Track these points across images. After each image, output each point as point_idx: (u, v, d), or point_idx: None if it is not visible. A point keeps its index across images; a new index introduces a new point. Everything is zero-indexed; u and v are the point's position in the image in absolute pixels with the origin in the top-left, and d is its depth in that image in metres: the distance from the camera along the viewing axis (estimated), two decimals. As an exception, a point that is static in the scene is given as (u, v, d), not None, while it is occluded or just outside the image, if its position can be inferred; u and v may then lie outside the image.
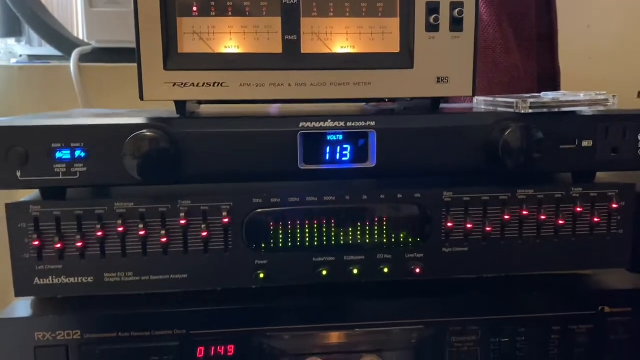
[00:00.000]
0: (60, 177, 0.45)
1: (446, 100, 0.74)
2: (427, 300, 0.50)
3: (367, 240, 0.49)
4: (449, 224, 0.49)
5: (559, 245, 0.51)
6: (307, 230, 0.49)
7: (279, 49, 0.47)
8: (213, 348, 0.48)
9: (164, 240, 0.47)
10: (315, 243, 0.49)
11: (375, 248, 0.49)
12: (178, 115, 0.49)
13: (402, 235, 0.50)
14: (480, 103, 0.55)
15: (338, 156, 0.48)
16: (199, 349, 0.48)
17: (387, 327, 0.49)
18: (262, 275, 0.48)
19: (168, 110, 0.54)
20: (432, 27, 0.48)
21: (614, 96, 0.48)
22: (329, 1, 0.47)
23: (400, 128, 0.48)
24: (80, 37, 0.89)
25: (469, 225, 0.49)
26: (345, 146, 0.48)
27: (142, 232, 0.47)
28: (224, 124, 0.47)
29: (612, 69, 0.98)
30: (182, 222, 0.47)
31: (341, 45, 0.48)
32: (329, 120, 0.47)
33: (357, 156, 0.48)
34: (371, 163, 0.48)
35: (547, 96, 0.50)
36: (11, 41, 0.93)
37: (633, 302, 0.51)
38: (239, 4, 0.46)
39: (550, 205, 0.50)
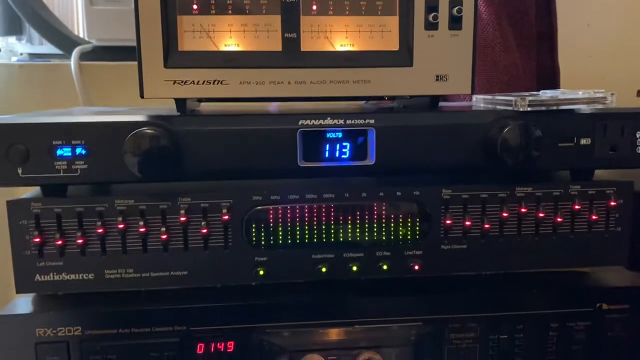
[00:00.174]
0: (61, 174, 0.46)
1: (445, 98, 0.74)
2: (426, 297, 0.50)
3: (366, 238, 0.50)
4: (448, 222, 0.50)
5: (557, 243, 0.51)
6: (306, 228, 0.49)
7: (278, 47, 0.47)
8: (213, 344, 0.48)
9: (164, 237, 0.47)
10: (315, 240, 0.49)
11: (374, 245, 0.50)
12: (178, 113, 0.49)
13: (401, 233, 0.50)
14: (479, 101, 0.55)
15: (337, 154, 0.48)
16: (199, 345, 0.48)
17: (386, 323, 0.50)
18: (261, 272, 0.49)
19: (168, 108, 0.54)
20: (431, 25, 0.48)
21: (612, 94, 0.48)
22: (328, -1, 0.47)
23: (399, 126, 0.48)
24: (81, 35, 0.90)
25: (467, 223, 0.50)
26: (344, 144, 0.48)
27: (142, 229, 0.47)
28: (224, 121, 0.47)
29: (611, 68, 0.98)
30: (182, 219, 0.47)
31: (341, 43, 0.48)
32: (329, 118, 0.48)
33: (357, 154, 0.48)
34: (370, 160, 0.48)
35: (546, 94, 0.50)
36: (12, 39, 0.93)
37: (631, 299, 0.51)
38: (239, 2, 0.47)
39: (549, 202, 0.50)
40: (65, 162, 0.46)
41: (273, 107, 0.60)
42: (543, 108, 0.49)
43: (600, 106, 0.49)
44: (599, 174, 0.53)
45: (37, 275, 0.47)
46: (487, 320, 0.50)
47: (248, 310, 0.48)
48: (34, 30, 0.88)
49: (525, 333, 0.50)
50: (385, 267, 0.50)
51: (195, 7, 0.46)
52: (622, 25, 1.02)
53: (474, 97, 0.56)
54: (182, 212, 0.47)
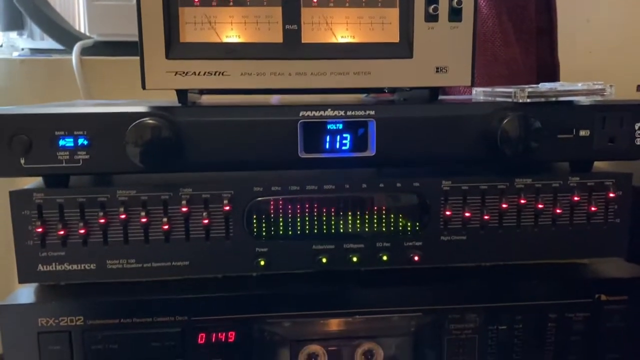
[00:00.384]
0: (64, 164, 0.46)
1: (445, 91, 0.75)
2: (426, 287, 0.50)
3: (367, 229, 0.50)
4: (448, 213, 0.50)
5: (557, 234, 0.51)
6: (307, 218, 0.49)
7: (279, 39, 0.47)
8: (214, 334, 0.48)
9: (165, 227, 0.48)
10: (315, 231, 0.49)
11: (374, 236, 0.50)
12: (180, 105, 0.49)
13: (401, 224, 0.50)
14: (479, 94, 0.55)
15: (338, 145, 0.48)
16: (200, 335, 0.48)
17: (386, 314, 0.50)
18: (262, 263, 0.49)
19: (170, 100, 0.54)
20: (431, 17, 0.48)
21: (611, 86, 0.49)
22: (329, -9, 0.48)
23: (399, 117, 0.49)
24: (82, 30, 0.90)
25: (467, 214, 0.50)
26: (345, 135, 0.48)
27: (144, 220, 0.47)
28: (225, 112, 0.47)
29: (612, 63, 0.98)
30: (184, 209, 0.48)
31: (341, 35, 0.48)
32: (329, 109, 0.48)
33: (357, 145, 0.49)
34: (371, 152, 0.49)
35: (545, 86, 0.50)
36: (13, 34, 0.93)
37: (629, 290, 0.51)
38: (240, -6, 0.47)
39: (548, 194, 0.51)
40: (67, 153, 0.46)
41: (274, 100, 0.60)
42: (542, 100, 0.49)
43: (599, 98, 0.50)
44: (598, 165, 0.53)
45: (40, 265, 0.47)
46: (486, 311, 0.50)
47: (249, 301, 0.49)
48: (35, 26, 0.88)
49: (524, 324, 0.51)
50: (385, 258, 0.50)
51: (196, -2, 0.47)
52: (622, 21, 1.02)
53: (474, 90, 0.56)
54: (184, 202, 0.48)
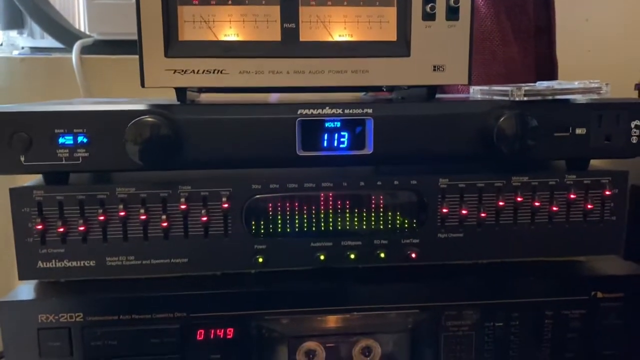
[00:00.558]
0: (63, 162, 0.46)
1: (443, 90, 0.75)
2: (423, 285, 0.51)
3: (364, 226, 0.50)
4: (445, 210, 0.50)
5: (553, 232, 0.52)
6: (305, 216, 0.50)
7: (277, 37, 0.48)
8: (213, 331, 0.49)
9: (164, 224, 0.48)
10: (313, 228, 0.50)
11: (372, 233, 0.50)
12: (179, 103, 0.50)
13: (398, 221, 0.50)
14: (477, 92, 0.56)
15: (336, 143, 0.49)
16: (198, 332, 0.49)
17: (383, 311, 0.50)
18: (261, 260, 0.49)
19: (169, 99, 0.54)
20: (429, 16, 0.48)
21: (606, 84, 0.49)
22: (327, -10, 0.48)
23: (396, 115, 0.49)
24: (82, 29, 0.90)
25: (464, 212, 0.50)
26: (342, 133, 0.49)
27: (143, 217, 0.48)
28: (224, 110, 0.48)
29: (610, 62, 0.99)
30: (183, 207, 0.48)
31: (339, 34, 0.49)
32: (327, 108, 0.48)
33: (355, 143, 0.49)
34: (368, 150, 0.49)
35: (542, 85, 0.50)
36: (13, 33, 0.93)
37: (625, 287, 0.52)
38: (239, -7, 0.47)
39: (545, 192, 0.51)
40: (67, 151, 0.46)
41: (272, 98, 0.60)
42: (539, 98, 0.49)
43: (595, 96, 0.50)
44: (595, 163, 0.53)
45: (40, 262, 0.48)
46: (483, 308, 0.51)
47: (247, 298, 0.49)
48: (35, 24, 0.88)
49: (521, 321, 0.51)
50: (382, 255, 0.50)
51: (195, -3, 0.47)
52: (620, 20, 1.02)
53: (471, 89, 0.57)
54: (183, 200, 0.48)
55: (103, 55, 0.83)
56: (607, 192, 0.51)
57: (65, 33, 0.86)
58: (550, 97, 0.49)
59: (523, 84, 0.51)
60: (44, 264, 0.48)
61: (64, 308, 0.47)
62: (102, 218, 0.47)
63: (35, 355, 0.47)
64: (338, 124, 0.49)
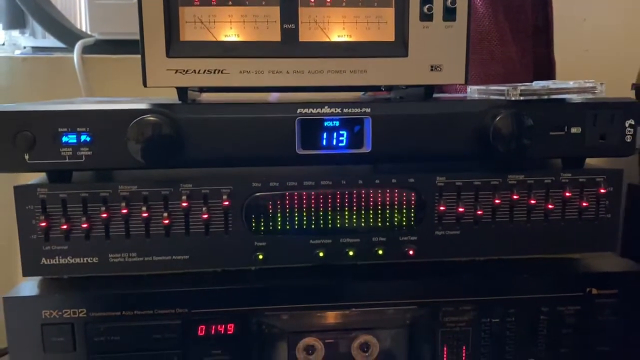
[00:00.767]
0: (67, 160, 0.47)
1: (441, 90, 0.76)
2: (421, 281, 0.51)
3: (363, 224, 0.51)
4: (442, 208, 0.51)
5: (549, 229, 0.52)
6: (304, 214, 0.50)
7: (277, 38, 0.48)
8: (213, 326, 0.49)
9: (166, 222, 0.49)
10: (313, 226, 0.51)
11: (370, 231, 0.51)
12: (180, 102, 0.50)
13: (396, 219, 0.51)
14: (474, 92, 0.56)
15: (334, 142, 0.50)
16: (200, 328, 0.49)
17: (381, 307, 0.51)
18: (261, 257, 0.50)
19: (170, 98, 0.55)
20: (426, 17, 0.49)
21: (601, 84, 0.50)
22: (326, -9, 0.49)
23: (394, 114, 0.50)
24: (84, 29, 0.91)
25: (461, 209, 0.51)
26: (341, 132, 0.50)
27: (145, 214, 0.48)
28: (225, 109, 0.48)
29: (608, 62, 0.99)
30: (184, 204, 0.49)
31: (338, 34, 0.49)
32: (326, 107, 0.49)
33: (353, 142, 0.50)
34: (367, 148, 0.50)
35: (538, 84, 0.51)
36: (15, 33, 0.94)
37: (619, 284, 0.52)
38: (239, -6, 0.48)
39: (540, 190, 0.52)
40: (70, 149, 0.47)
41: (272, 97, 0.61)
42: (535, 97, 0.50)
43: (590, 96, 0.51)
44: (590, 162, 0.54)
45: (43, 258, 0.48)
46: (479, 304, 0.51)
47: (248, 294, 0.50)
48: (37, 24, 0.89)
49: (517, 317, 0.52)
50: (380, 252, 0.51)
51: (196, -2, 0.48)
52: (618, 20, 1.03)
53: (469, 88, 0.57)
54: (184, 198, 0.49)
55: (104, 55, 0.83)
56: (602, 190, 0.52)
57: (66, 33, 0.87)
58: (545, 97, 0.50)
59: (519, 84, 0.52)
60: (48, 260, 0.49)
61: (67, 304, 0.48)
62: (104, 215, 0.48)
63: (40, 351, 0.48)
64: (337, 123, 0.49)
